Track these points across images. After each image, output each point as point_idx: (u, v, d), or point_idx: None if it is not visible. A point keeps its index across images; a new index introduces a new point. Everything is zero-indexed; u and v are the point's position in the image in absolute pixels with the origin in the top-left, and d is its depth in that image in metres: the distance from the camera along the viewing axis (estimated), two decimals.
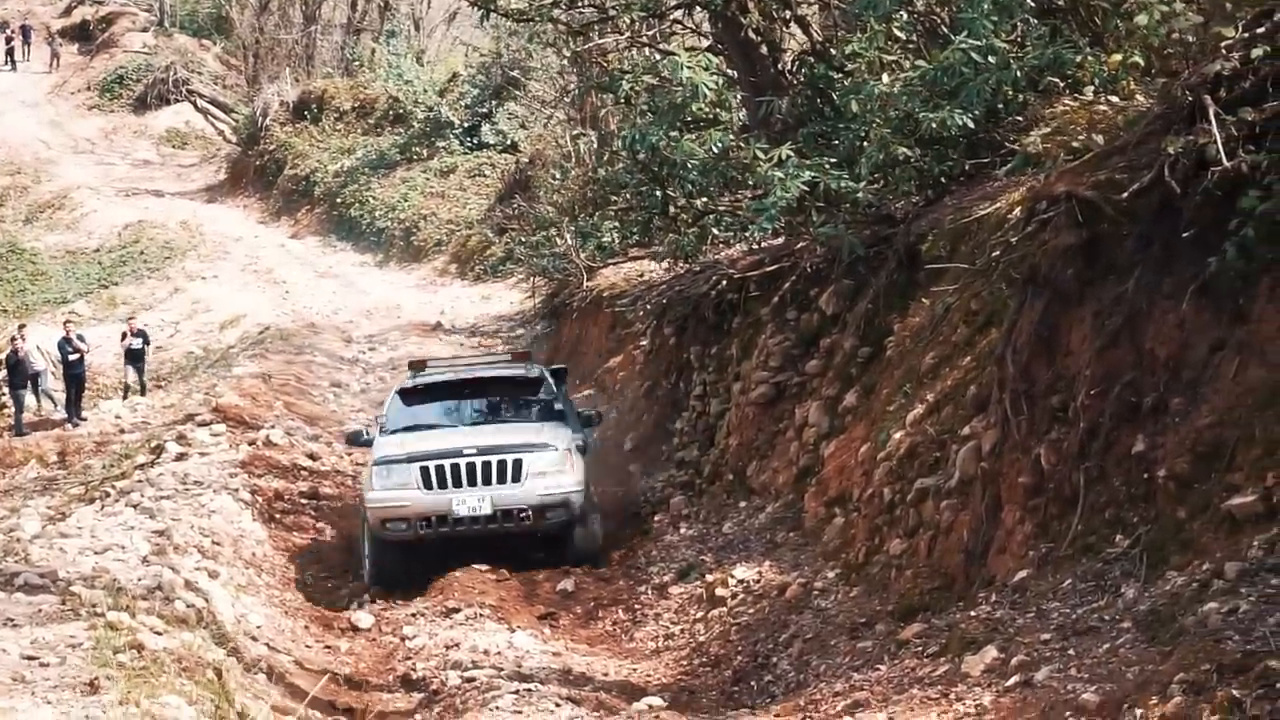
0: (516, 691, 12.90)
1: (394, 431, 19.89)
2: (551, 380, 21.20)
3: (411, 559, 18.72)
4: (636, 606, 17.75)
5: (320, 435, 26.73)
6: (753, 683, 14.19)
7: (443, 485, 18.67)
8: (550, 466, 18.87)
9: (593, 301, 29.96)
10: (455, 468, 18.69)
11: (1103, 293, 12.14)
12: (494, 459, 18.76)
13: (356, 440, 20.77)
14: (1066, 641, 10.23)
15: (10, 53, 75.82)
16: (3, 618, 13.08)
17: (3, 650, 11.71)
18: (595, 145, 32.61)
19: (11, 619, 13.04)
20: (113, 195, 58.72)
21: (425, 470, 18.70)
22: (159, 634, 12.94)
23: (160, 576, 15.69)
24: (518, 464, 18.75)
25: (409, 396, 20.90)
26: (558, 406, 20.46)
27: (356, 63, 63.01)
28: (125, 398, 34.80)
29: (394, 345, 36.70)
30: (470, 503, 18.60)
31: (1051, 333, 12.67)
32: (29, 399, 34.37)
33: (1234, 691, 8.08)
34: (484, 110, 52.15)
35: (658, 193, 21.62)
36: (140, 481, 21.65)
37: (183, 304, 44.52)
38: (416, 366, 21.78)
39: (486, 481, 18.69)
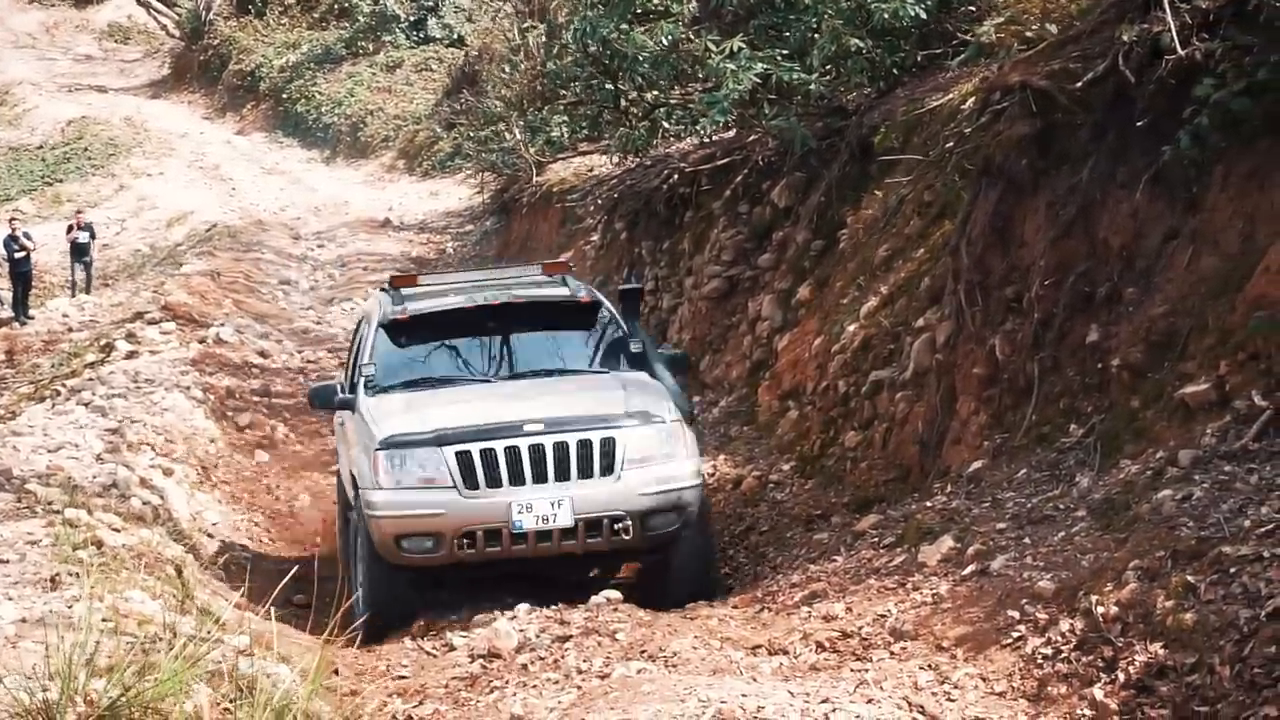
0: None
1: (389, 389, 13.39)
2: (610, 307, 14.43)
3: (430, 589, 12.85)
4: None
5: (270, 333, 26.63)
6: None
7: (494, 482, 12.19)
8: (656, 448, 12.48)
9: (543, 197, 29.85)
10: (513, 453, 12.20)
11: (1057, 183, 12.17)
12: (572, 438, 12.27)
13: (326, 400, 14.17)
14: (1022, 530, 10.31)
15: None
16: None
17: None
18: (544, 38, 32.33)
19: None
20: (55, 91, 58.21)
21: (465, 458, 12.20)
22: (117, 531, 12.95)
23: (115, 474, 15.71)
24: (608, 446, 12.30)
25: (400, 332, 14.00)
26: (635, 348, 13.81)
27: None
28: (72, 295, 34.61)
29: (342, 242, 36.59)
30: (539, 509, 12.18)
31: (1005, 224, 12.71)
32: None
33: (1188, 577, 8.17)
34: (430, 3, 51.75)
35: (608, 86, 21.49)
36: (91, 380, 21.54)
37: (129, 201, 44.22)
38: (403, 283, 14.75)
39: (563, 475, 12.23)
